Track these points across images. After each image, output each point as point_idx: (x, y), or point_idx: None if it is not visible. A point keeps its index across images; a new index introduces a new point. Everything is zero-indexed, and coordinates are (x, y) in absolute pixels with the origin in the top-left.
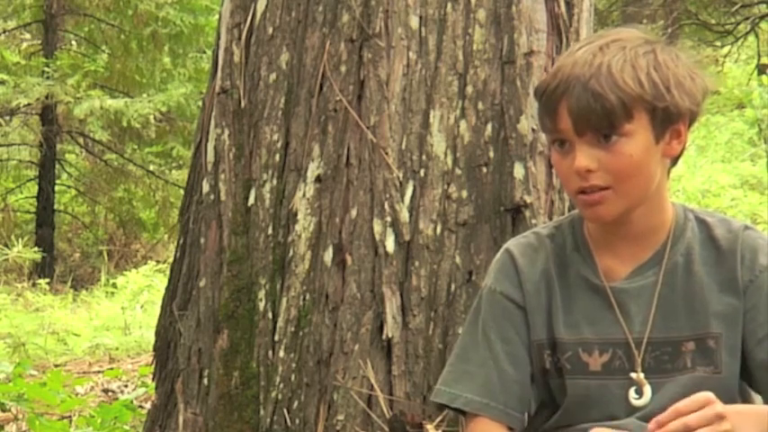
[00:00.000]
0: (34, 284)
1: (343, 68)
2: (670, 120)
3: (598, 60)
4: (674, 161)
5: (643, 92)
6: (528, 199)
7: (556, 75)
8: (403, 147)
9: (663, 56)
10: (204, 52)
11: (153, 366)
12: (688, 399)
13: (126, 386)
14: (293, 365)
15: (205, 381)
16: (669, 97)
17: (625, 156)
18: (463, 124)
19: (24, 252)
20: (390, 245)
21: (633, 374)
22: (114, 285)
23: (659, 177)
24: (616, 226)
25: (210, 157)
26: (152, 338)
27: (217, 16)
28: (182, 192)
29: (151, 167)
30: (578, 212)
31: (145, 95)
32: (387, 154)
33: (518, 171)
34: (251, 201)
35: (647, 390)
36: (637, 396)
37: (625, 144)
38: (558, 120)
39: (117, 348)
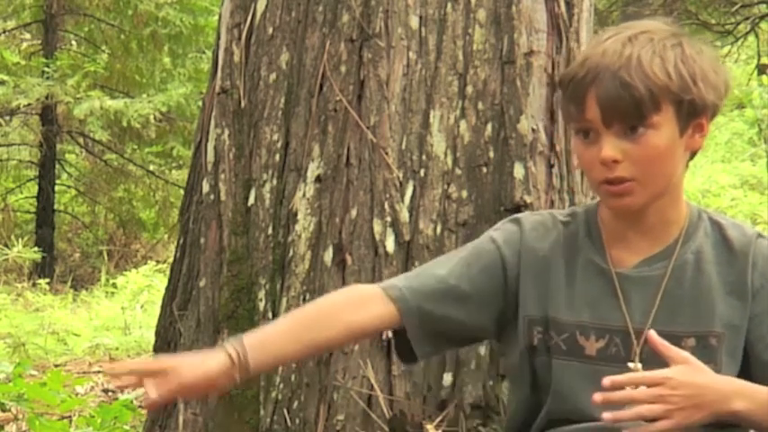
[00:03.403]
0: (34, 284)
1: (343, 68)
2: (695, 113)
3: (627, 51)
4: (692, 155)
5: (671, 83)
6: (528, 199)
7: (583, 64)
8: (403, 147)
9: (689, 49)
10: (204, 52)
11: None
12: (649, 373)
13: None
14: (293, 365)
15: None
16: (696, 90)
17: (651, 147)
18: (463, 124)
19: (24, 252)
20: (390, 245)
21: (631, 364)
22: (114, 285)
23: (680, 170)
24: (631, 217)
25: (210, 157)
26: (152, 338)
27: (217, 16)
28: (182, 192)
29: (151, 167)
30: (593, 202)
31: (145, 95)
32: (387, 154)
33: (518, 171)
34: (251, 201)
35: None
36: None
37: (652, 136)
38: (585, 109)
39: (117, 348)
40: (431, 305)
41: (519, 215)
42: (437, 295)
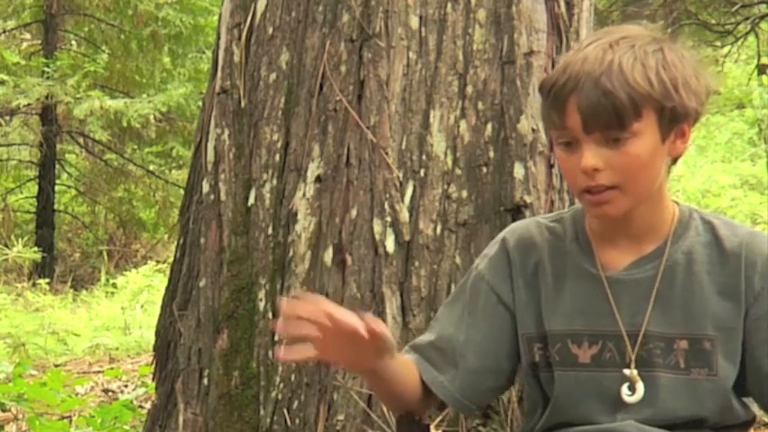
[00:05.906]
0: (34, 284)
1: (343, 68)
2: (677, 119)
3: (608, 58)
4: (675, 160)
5: (653, 91)
6: (528, 199)
7: (564, 71)
8: (403, 147)
9: (671, 55)
10: (204, 52)
11: (153, 366)
12: None
13: (126, 386)
14: (293, 365)
15: (205, 381)
16: (677, 97)
17: (633, 156)
18: (463, 124)
19: (24, 252)
20: (390, 245)
21: (627, 371)
22: (114, 285)
23: (663, 176)
24: (615, 222)
25: (210, 157)
26: (152, 338)
27: (217, 16)
28: (182, 192)
29: (151, 167)
30: (580, 206)
31: (145, 95)
32: (387, 154)
33: (518, 171)
34: (251, 201)
35: (640, 387)
36: (629, 393)
37: (633, 144)
38: (566, 117)
39: (117, 348)
40: (469, 381)
41: (504, 234)
42: (478, 382)
